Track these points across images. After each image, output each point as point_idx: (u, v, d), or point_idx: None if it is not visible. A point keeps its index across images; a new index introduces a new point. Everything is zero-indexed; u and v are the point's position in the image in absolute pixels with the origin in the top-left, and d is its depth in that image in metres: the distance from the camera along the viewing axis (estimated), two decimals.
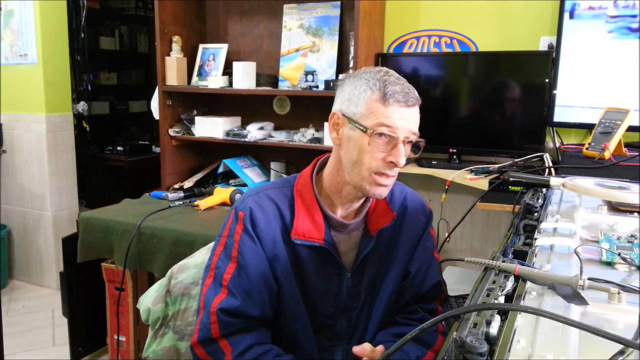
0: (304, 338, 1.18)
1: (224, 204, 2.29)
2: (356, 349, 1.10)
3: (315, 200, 1.16)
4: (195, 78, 2.67)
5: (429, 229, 1.27)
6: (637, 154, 1.64)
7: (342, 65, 2.45)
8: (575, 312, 0.63)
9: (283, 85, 2.52)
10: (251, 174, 2.57)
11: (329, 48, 2.44)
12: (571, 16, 2.06)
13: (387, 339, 1.18)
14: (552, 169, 1.83)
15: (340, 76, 1.16)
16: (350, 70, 2.31)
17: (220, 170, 2.61)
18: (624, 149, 1.70)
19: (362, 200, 1.18)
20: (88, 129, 3.57)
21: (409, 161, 2.40)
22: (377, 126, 1.05)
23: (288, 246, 1.14)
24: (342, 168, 1.13)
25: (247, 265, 1.12)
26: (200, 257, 1.41)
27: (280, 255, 1.14)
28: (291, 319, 1.17)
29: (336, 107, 1.13)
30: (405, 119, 1.06)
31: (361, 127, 1.06)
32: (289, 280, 1.15)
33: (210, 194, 2.34)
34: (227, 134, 2.50)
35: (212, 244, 1.31)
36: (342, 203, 1.17)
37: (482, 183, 1.99)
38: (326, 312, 1.20)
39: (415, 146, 1.11)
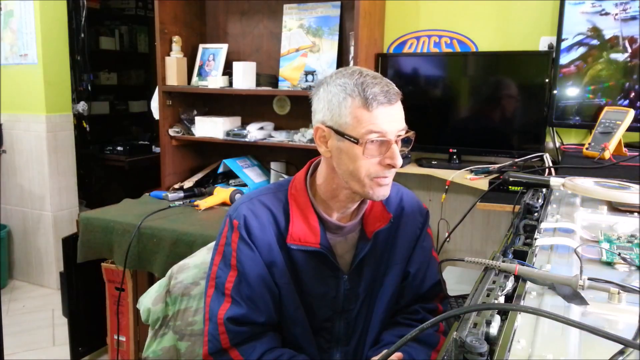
0: (303, 341, 1.18)
1: (224, 204, 2.29)
2: None
3: (309, 203, 1.15)
4: (195, 78, 2.66)
5: (427, 229, 1.26)
6: (637, 154, 1.64)
7: (342, 66, 2.44)
8: (575, 312, 0.63)
9: (283, 85, 2.51)
10: (251, 174, 2.56)
11: (329, 48, 2.44)
12: None
13: (392, 340, 1.18)
14: (552, 169, 1.83)
15: (314, 85, 1.13)
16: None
17: (220, 170, 2.61)
18: (624, 149, 1.70)
19: (358, 202, 1.17)
20: (88, 129, 3.57)
21: (406, 159, 2.41)
22: (367, 134, 1.02)
23: (284, 251, 1.14)
24: (336, 176, 1.11)
25: (247, 272, 1.11)
26: (200, 257, 1.41)
27: (277, 261, 1.13)
28: (291, 323, 1.17)
29: (318, 120, 1.09)
30: (392, 120, 1.04)
31: (352, 139, 1.03)
32: (288, 286, 1.14)
33: (210, 194, 2.34)
34: (227, 134, 2.50)
35: (212, 244, 1.32)
36: (339, 207, 1.16)
37: (482, 183, 1.99)
38: (324, 315, 1.19)
39: (405, 140, 1.09)
